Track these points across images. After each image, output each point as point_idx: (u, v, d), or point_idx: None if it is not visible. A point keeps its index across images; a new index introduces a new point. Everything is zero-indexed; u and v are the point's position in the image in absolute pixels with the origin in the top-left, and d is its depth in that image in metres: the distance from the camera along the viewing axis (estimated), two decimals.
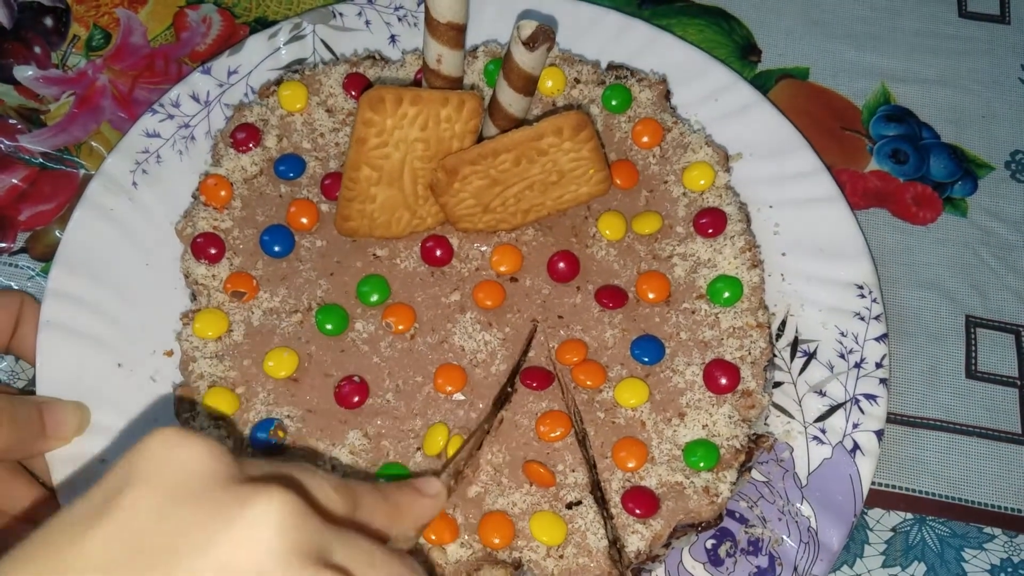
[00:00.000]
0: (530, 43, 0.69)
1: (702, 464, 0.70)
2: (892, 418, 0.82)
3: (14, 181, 0.90)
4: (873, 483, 0.79)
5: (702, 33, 0.99)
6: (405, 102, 0.70)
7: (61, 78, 0.95)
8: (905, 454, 0.82)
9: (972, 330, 0.87)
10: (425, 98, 0.71)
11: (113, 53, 0.96)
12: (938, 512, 0.80)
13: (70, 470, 0.73)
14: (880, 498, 0.80)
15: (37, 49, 0.95)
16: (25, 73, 0.95)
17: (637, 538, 0.69)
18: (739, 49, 0.99)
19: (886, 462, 0.81)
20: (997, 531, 0.80)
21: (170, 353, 0.78)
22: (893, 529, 0.80)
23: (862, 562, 0.78)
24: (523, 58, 0.73)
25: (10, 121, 0.92)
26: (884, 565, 0.78)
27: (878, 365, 0.78)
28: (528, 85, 0.76)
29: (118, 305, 0.80)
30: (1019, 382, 0.85)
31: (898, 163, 0.93)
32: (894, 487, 0.81)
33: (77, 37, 0.96)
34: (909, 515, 0.80)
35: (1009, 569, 0.79)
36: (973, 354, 0.86)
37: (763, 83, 0.97)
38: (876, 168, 0.93)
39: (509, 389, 0.75)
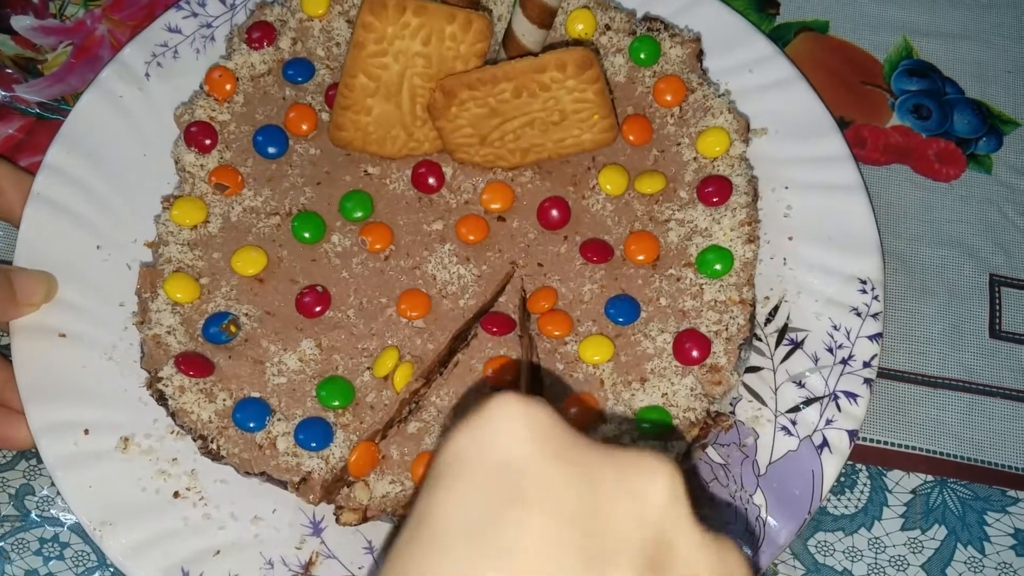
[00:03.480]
0: None
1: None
2: (913, 378, 0.80)
3: (10, 131, 0.88)
4: (893, 444, 0.78)
5: None
6: (408, 11, 0.68)
7: (59, 28, 0.92)
8: (926, 415, 0.79)
9: (996, 289, 0.83)
10: (430, 10, 0.68)
11: (112, 3, 0.93)
12: (960, 474, 0.78)
13: (30, 340, 0.74)
14: (900, 459, 0.78)
15: None
16: (23, 22, 0.92)
17: None
18: (756, 1, 0.95)
19: (906, 423, 0.79)
20: (1021, 494, 0.77)
21: (151, 244, 0.78)
22: (913, 491, 0.77)
23: (880, 525, 0.76)
24: None
25: (6, 71, 0.90)
26: (903, 528, 0.76)
27: (866, 364, 0.74)
28: (544, 16, 0.73)
29: (109, 189, 0.80)
30: None
31: (921, 118, 0.89)
32: (914, 448, 0.78)
33: None
34: (930, 477, 0.77)
35: None
36: (997, 313, 0.82)
37: (782, 36, 0.93)
38: (898, 123, 0.90)
39: (471, 332, 0.73)
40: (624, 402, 0.69)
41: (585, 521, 0.40)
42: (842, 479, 0.77)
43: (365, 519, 0.68)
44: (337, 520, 0.68)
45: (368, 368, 0.71)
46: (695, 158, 0.78)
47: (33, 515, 0.75)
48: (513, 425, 0.42)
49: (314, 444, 0.67)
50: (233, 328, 0.70)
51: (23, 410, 0.72)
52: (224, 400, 0.68)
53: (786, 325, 0.76)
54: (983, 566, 0.76)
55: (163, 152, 0.81)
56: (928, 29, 0.94)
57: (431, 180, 0.77)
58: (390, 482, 0.68)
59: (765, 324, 0.77)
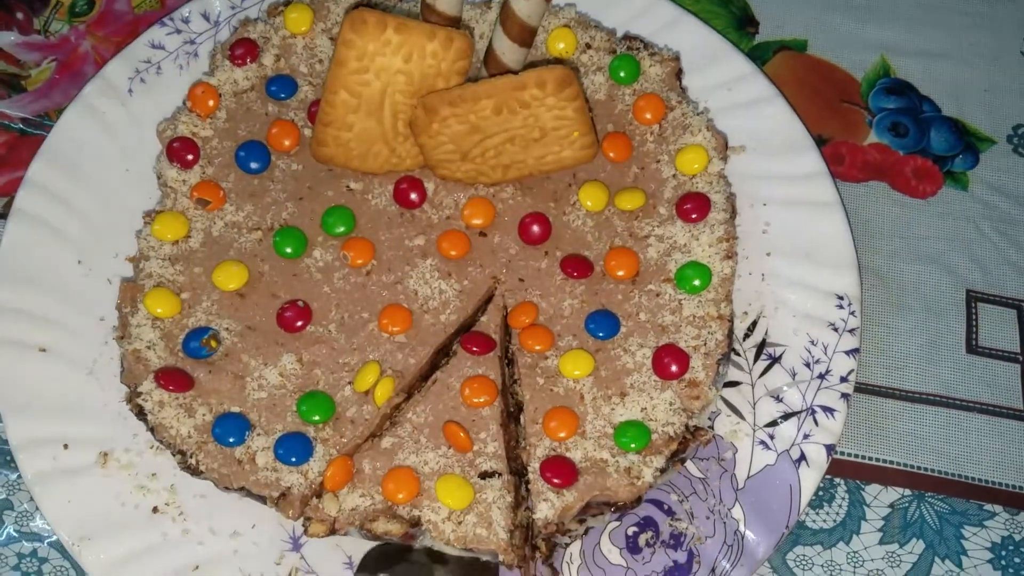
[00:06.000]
0: None
1: (632, 445, 0.67)
2: (890, 393, 0.81)
3: None
4: (871, 458, 0.78)
5: (699, 3, 0.96)
6: (389, 28, 0.68)
7: (43, 44, 0.93)
8: (904, 429, 0.80)
9: (973, 305, 0.84)
10: (411, 28, 0.69)
11: (96, 19, 0.94)
12: (937, 488, 0.78)
13: (9, 355, 0.74)
14: (878, 474, 0.78)
15: (19, 15, 0.93)
16: (7, 38, 0.93)
17: (547, 506, 0.66)
18: (736, 20, 0.96)
19: (884, 437, 0.80)
20: (998, 508, 0.78)
21: (132, 259, 0.78)
22: (891, 505, 0.78)
23: (859, 539, 0.76)
24: (520, 5, 0.71)
25: None
26: (882, 542, 0.76)
27: (843, 379, 0.75)
28: (524, 35, 0.74)
29: (90, 204, 0.80)
30: (1021, 357, 0.83)
31: (898, 136, 0.91)
32: (892, 463, 0.79)
33: (60, 3, 0.94)
34: (908, 491, 0.78)
35: (1010, 547, 0.76)
36: (974, 329, 0.83)
37: (760, 55, 0.95)
38: (876, 141, 0.91)
39: (452, 348, 0.73)
40: (604, 416, 0.69)
41: None
42: (820, 493, 0.78)
43: (333, 531, 0.68)
44: (305, 531, 0.68)
45: (349, 383, 0.71)
46: (674, 175, 0.79)
47: (11, 530, 0.75)
48: None
49: (294, 459, 0.67)
50: (214, 343, 0.70)
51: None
52: (204, 415, 0.68)
53: (764, 340, 0.77)
54: None
55: (145, 167, 0.81)
56: (906, 48, 0.95)
57: (413, 196, 0.77)
58: (360, 496, 0.67)
59: (743, 339, 0.77)
